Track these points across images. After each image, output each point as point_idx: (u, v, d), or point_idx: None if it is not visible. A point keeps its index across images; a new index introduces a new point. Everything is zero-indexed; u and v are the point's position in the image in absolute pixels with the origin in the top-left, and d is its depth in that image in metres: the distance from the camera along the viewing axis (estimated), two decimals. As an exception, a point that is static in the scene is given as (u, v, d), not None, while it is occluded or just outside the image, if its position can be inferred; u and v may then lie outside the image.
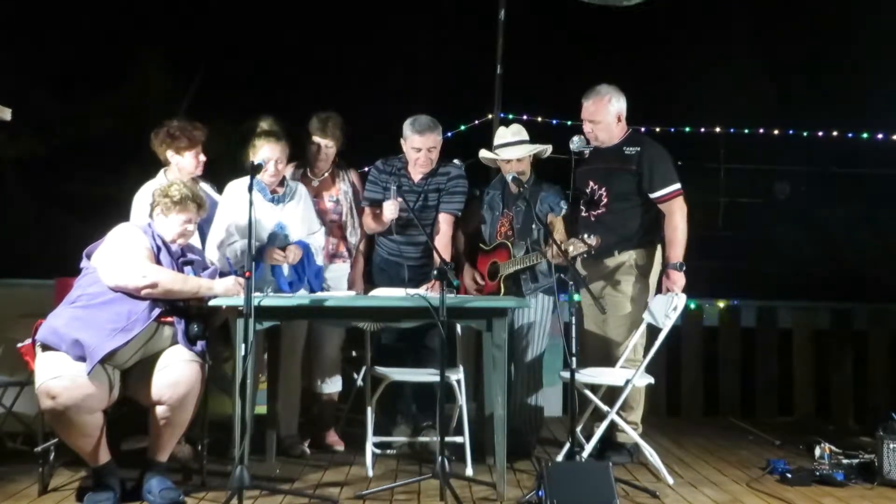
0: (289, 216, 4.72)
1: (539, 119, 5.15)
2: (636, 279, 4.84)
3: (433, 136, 4.88)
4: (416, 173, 4.97)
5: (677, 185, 4.77)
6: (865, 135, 7.79)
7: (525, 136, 4.94)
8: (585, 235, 4.42)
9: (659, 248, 4.88)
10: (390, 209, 4.79)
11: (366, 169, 5.17)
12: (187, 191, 4.12)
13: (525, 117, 5.40)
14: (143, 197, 4.52)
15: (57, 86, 9.14)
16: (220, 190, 4.81)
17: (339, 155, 5.09)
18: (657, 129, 7.21)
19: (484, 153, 5.05)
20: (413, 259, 4.99)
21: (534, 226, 4.82)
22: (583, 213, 4.92)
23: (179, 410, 3.87)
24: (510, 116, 6.43)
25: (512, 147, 4.90)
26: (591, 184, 4.90)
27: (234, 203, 4.56)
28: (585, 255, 4.50)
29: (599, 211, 4.86)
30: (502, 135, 4.99)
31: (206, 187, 4.81)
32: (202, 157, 4.71)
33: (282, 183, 4.73)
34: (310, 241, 4.73)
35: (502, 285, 4.88)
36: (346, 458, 4.81)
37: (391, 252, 5.06)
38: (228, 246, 4.57)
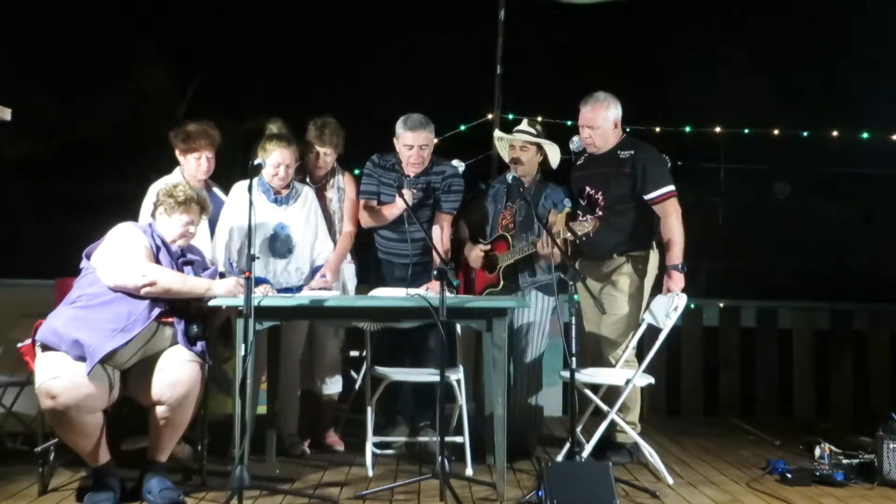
0: (291, 217, 4.73)
1: (539, 119, 5.15)
2: (634, 281, 4.88)
3: (425, 133, 4.88)
4: (410, 171, 4.96)
5: (671, 187, 4.81)
6: (866, 135, 7.78)
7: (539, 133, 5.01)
8: (581, 217, 4.51)
9: (656, 249, 4.91)
10: (408, 195, 4.77)
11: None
12: (192, 192, 4.13)
13: (525, 118, 5.40)
14: (154, 191, 4.47)
15: (57, 86, 9.14)
16: (226, 190, 4.81)
17: (336, 161, 5.04)
18: (657, 130, 7.19)
19: (498, 132, 5.16)
20: (408, 257, 4.99)
21: (535, 222, 4.84)
22: (581, 218, 4.94)
23: (179, 410, 3.87)
24: (510, 117, 6.43)
25: (522, 133, 4.96)
26: (588, 189, 4.96)
27: (238, 204, 4.59)
28: (583, 239, 4.53)
29: (597, 215, 4.88)
30: (520, 122, 5.07)
31: (216, 191, 4.81)
32: (205, 162, 4.70)
33: (288, 185, 4.72)
34: (316, 253, 4.75)
35: (501, 277, 4.89)
36: (346, 458, 4.81)
37: (387, 251, 5.07)
38: (239, 254, 4.57)
